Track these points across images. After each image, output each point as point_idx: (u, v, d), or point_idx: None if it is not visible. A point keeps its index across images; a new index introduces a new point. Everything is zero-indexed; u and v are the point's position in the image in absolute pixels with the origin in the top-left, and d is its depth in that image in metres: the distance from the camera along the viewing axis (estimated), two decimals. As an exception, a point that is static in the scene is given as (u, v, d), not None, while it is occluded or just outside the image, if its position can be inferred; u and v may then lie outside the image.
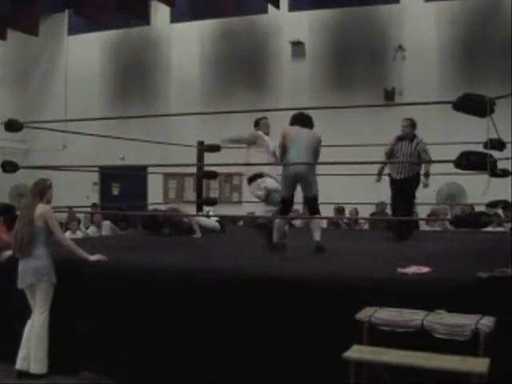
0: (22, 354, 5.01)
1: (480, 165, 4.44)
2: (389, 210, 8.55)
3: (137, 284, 4.95)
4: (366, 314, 3.89)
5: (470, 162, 4.47)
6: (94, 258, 5.18)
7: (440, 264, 4.78)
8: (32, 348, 4.97)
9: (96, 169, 12.60)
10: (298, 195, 6.20)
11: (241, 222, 11.73)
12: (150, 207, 9.57)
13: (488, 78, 11.31)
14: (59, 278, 5.09)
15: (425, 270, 4.44)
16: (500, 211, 9.22)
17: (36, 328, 5.00)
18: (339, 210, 10.84)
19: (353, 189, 10.62)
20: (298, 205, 7.76)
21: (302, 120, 6.17)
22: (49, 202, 5.26)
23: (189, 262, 5.30)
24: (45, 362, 4.99)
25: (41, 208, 5.11)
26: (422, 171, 7.32)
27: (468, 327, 3.60)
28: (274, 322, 4.43)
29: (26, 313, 5.09)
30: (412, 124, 7.24)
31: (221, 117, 11.32)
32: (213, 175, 9.10)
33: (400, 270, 4.45)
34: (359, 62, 13.09)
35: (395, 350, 3.67)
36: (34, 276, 5.01)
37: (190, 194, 13.50)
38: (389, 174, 7.44)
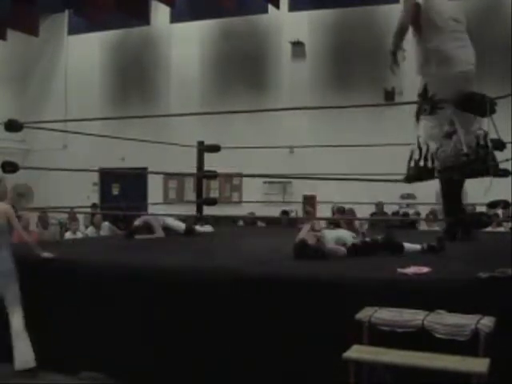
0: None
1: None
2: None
3: (136, 284, 4.94)
4: (365, 313, 3.88)
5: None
6: (45, 255, 5.25)
7: (440, 264, 4.78)
8: (16, 346, 4.99)
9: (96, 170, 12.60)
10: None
11: (241, 222, 11.74)
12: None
13: (488, 77, 11.31)
14: (59, 278, 5.10)
15: (425, 269, 4.43)
16: (500, 211, 9.22)
17: (15, 327, 5.02)
18: (340, 211, 10.80)
19: (353, 189, 10.61)
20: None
21: None
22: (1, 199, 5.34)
23: (188, 263, 5.30)
24: (31, 356, 4.99)
25: (2, 207, 5.18)
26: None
27: (468, 327, 3.59)
28: (274, 322, 4.43)
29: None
30: None
31: (221, 117, 11.31)
32: (213, 175, 9.07)
33: (400, 270, 4.44)
34: (359, 62, 13.09)
35: (395, 350, 3.67)
36: (2, 278, 5.04)
37: (190, 194, 13.50)
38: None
